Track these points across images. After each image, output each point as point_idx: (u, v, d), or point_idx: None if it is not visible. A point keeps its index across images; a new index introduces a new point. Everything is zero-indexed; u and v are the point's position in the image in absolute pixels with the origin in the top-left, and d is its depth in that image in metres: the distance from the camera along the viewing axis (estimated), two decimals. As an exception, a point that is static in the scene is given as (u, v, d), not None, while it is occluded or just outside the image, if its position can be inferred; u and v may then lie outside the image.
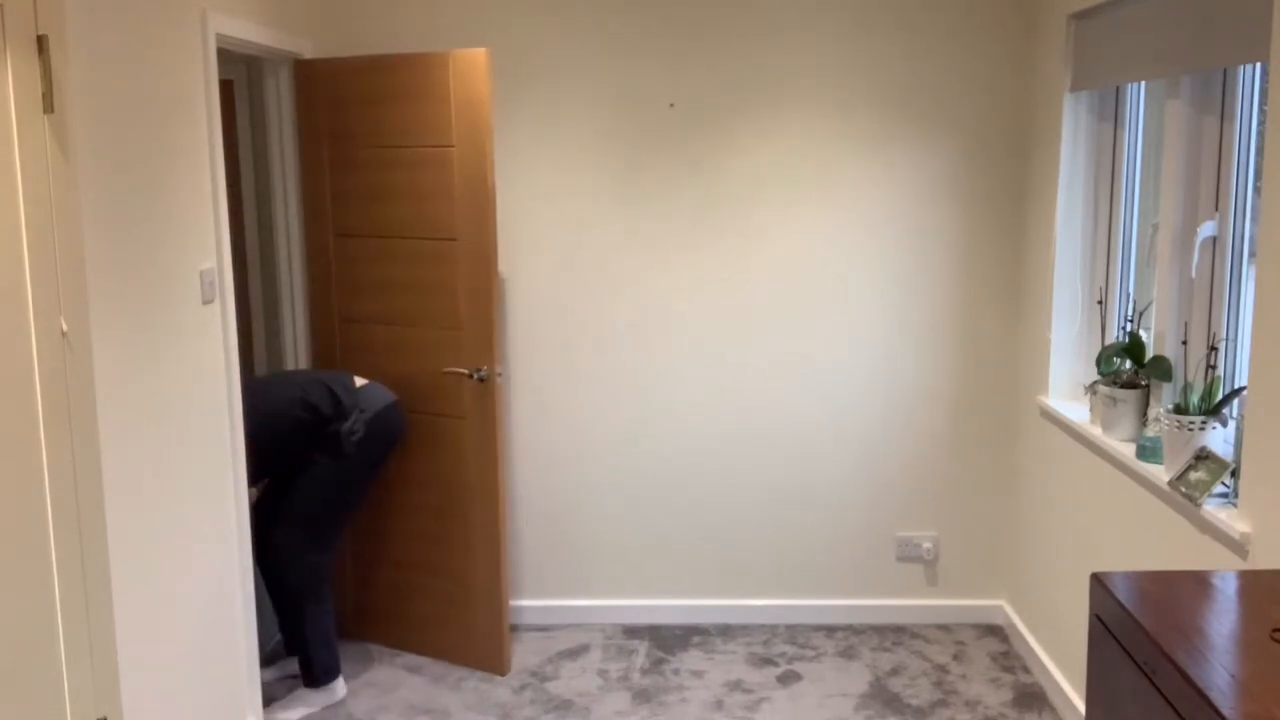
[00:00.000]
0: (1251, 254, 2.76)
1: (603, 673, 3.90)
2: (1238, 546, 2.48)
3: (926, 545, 4.25)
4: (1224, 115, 2.83)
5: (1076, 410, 3.59)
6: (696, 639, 4.17)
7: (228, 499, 3.20)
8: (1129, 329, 3.41)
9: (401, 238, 3.81)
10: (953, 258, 4.09)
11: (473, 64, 3.57)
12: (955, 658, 4.00)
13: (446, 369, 3.78)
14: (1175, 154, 2.98)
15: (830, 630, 4.23)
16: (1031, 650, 3.89)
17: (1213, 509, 2.58)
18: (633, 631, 4.24)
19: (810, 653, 4.05)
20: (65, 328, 2.32)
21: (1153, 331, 3.20)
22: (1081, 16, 3.51)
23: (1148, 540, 2.97)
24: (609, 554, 4.29)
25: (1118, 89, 3.49)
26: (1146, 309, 3.29)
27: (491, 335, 3.68)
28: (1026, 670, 3.90)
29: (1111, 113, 3.53)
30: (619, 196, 4.08)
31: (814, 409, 4.18)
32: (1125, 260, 3.51)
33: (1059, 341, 3.73)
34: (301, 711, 3.59)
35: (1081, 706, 3.44)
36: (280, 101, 3.92)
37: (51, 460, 2.29)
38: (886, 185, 4.05)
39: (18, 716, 2.19)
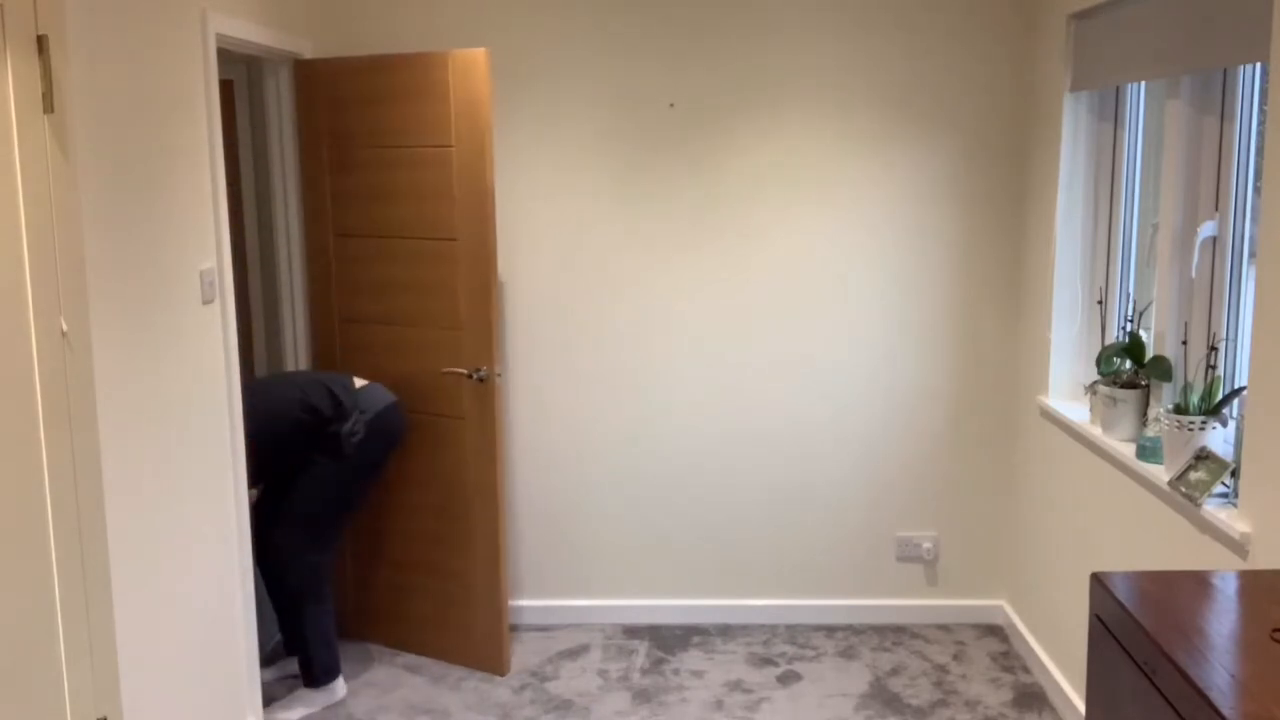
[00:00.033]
0: (1251, 254, 2.76)
1: (603, 673, 3.90)
2: (1238, 546, 2.48)
3: (926, 545, 4.25)
4: (1224, 115, 2.83)
5: (1076, 410, 3.59)
6: (696, 639, 4.17)
7: (228, 499, 3.20)
8: (1129, 329, 3.41)
9: (401, 238, 3.81)
10: (953, 258, 4.09)
11: (472, 64, 3.57)
12: (955, 658, 4.00)
13: (446, 369, 3.78)
14: (1175, 154, 2.98)
15: (830, 630, 4.23)
16: (1031, 650, 3.89)
17: (1213, 509, 2.58)
18: (633, 631, 4.24)
19: (810, 653, 4.05)
20: (65, 328, 2.32)
21: (1153, 331, 3.20)
22: (1081, 16, 3.51)
23: (1148, 540, 2.97)
24: (609, 554, 4.29)
25: (1118, 89, 3.49)
26: (1146, 309, 3.29)
27: (491, 335, 3.68)
28: (1026, 670, 3.90)
29: (1111, 113, 3.53)
30: (619, 196, 4.08)
31: (814, 409, 4.18)
32: (1125, 260, 3.51)
33: (1059, 341, 3.73)
34: (301, 711, 3.59)
35: (1081, 706, 3.44)
36: (280, 101, 3.92)
37: (51, 460, 2.29)
38: (886, 185, 4.05)
39: (18, 716, 2.19)
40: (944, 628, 4.25)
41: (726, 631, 4.23)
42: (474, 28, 3.99)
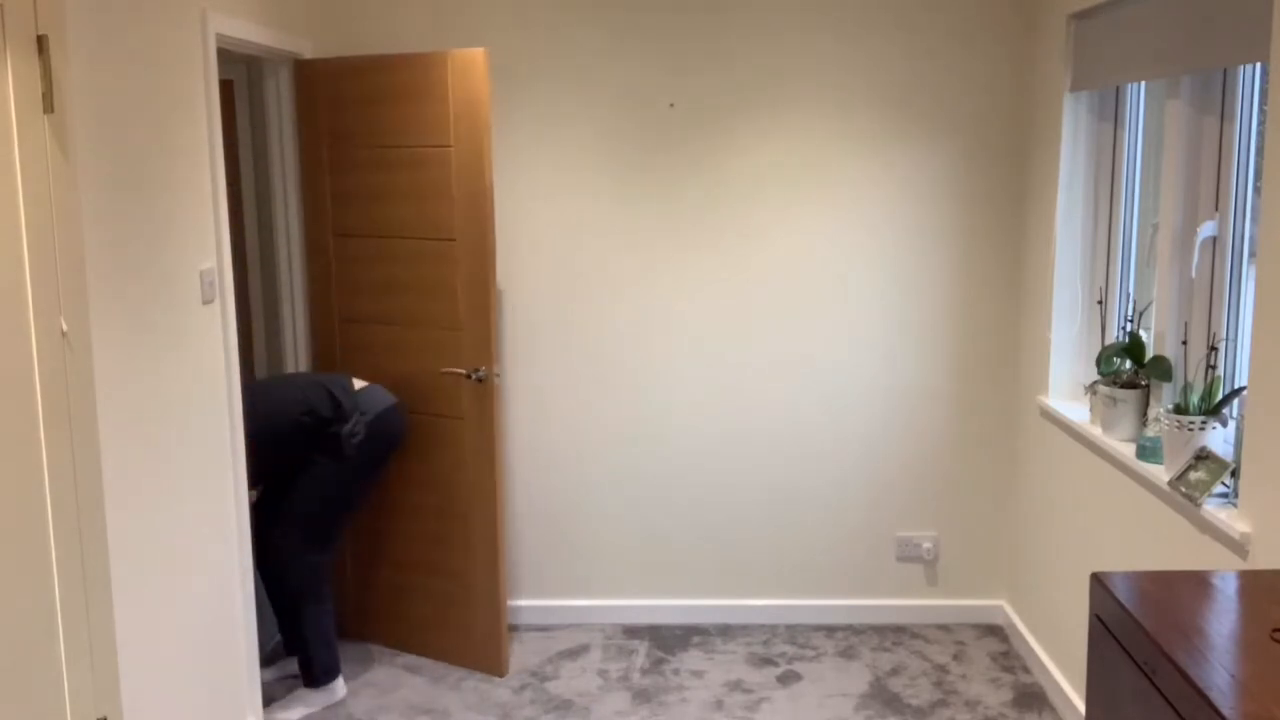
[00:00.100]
0: (1251, 254, 2.76)
1: (603, 673, 3.90)
2: (1238, 546, 2.48)
3: (926, 545, 4.25)
4: (1224, 115, 2.83)
5: (1076, 410, 3.59)
6: (696, 639, 4.17)
7: (228, 499, 3.20)
8: (1129, 329, 3.41)
9: (401, 238, 3.81)
10: (953, 258, 4.09)
11: (471, 64, 3.57)
12: (955, 658, 4.00)
13: (445, 369, 3.78)
14: (1175, 154, 2.98)
15: (830, 630, 4.23)
16: (1031, 650, 3.89)
17: (1213, 509, 2.58)
18: (633, 631, 4.24)
19: (810, 653, 4.05)
20: (65, 328, 2.32)
21: (1153, 331, 3.20)
22: (1081, 16, 3.51)
23: (1148, 540, 2.97)
24: (609, 554, 4.29)
25: (1118, 89, 3.49)
26: (1146, 309, 3.29)
27: (490, 336, 3.68)
28: (1026, 670, 3.90)
29: (1111, 113, 3.53)
30: (619, 196, 4.08)
31: (814, 409, 4.18)
32: (1125, 260, 3.51)
33: (1059, 341, 3.73)
34: (301, 711, 3.59)
35: (1081, 706, 3.44)
36: (280, 101, 3.92)
37: (51, 460, 2.29)
38: (886, 185, 4.05)
39: (18, 716, 2.19)
40: (944, 628, 4.25)
41: (726, 631, 4.23)
42: (474, 28, 3.99)
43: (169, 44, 2.86)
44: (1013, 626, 4.12)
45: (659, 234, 4.10)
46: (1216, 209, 2.86)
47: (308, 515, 3.57)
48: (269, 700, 3.62)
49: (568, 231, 4.10)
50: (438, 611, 3.95)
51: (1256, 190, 2.72)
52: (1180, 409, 2.80)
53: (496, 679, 3.84)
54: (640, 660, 4.00)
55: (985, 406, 4.17)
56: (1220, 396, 2.78)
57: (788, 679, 3.85)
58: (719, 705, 3.67)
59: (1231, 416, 2.77)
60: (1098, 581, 1.94)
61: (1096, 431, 3.31)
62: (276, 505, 3.59)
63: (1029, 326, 3.99)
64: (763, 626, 4.27)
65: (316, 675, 3.63)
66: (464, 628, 3.90)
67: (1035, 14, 3.91)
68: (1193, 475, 2.69)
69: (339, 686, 3.68)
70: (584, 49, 4.00)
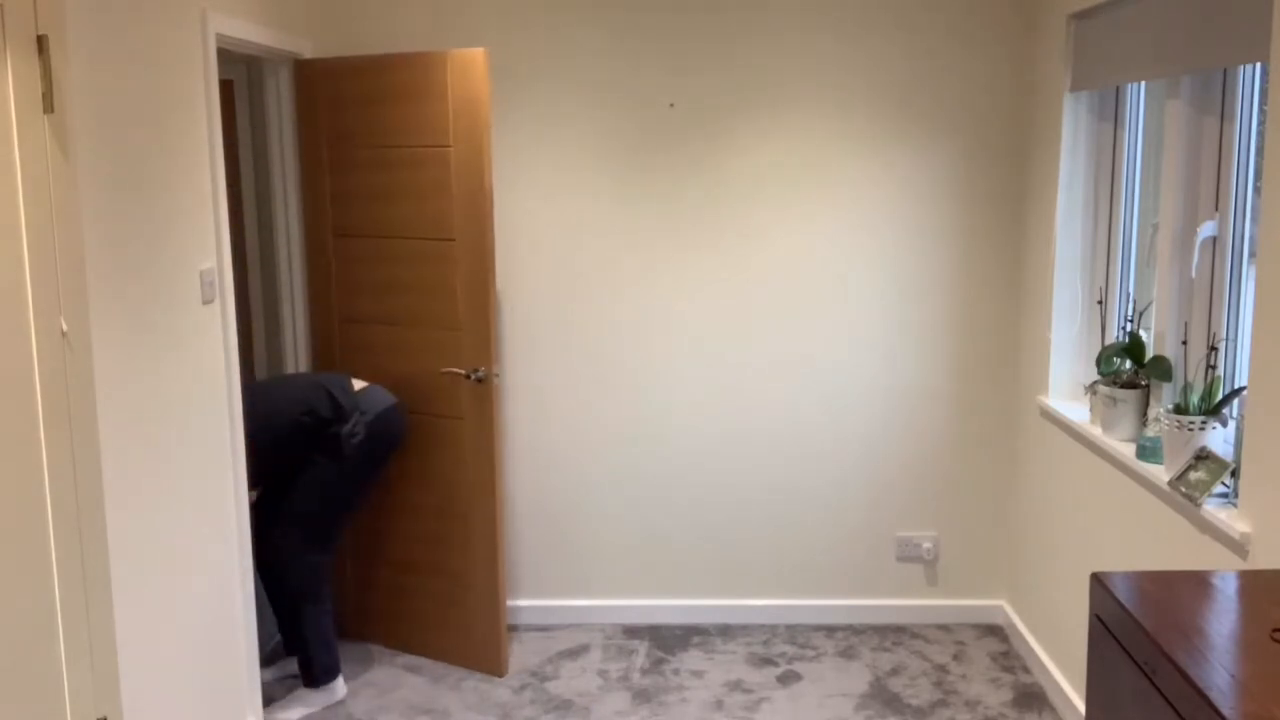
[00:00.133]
0: (1251, 254, 2.76)
1: (603, 673, 3.90)
2: (1238, 546, 2.48)
3: (926, 545, 4.25)
4: (1224, 115, 2.83)
5: (1076, 410, 3.59)
6: (696, 639, 4.17)
7: (227, 499, 3.20)
8: (1129, 329, 3.41)
9: (401, 238, 3.81)
10: (953, 258, 4.09)
11: (471, 64, 3.57)
12: (955, 658, 4.01)
13: (445, 369, 3.78)
14: (1175, 154, 2.98)
15: (830, 630, 4.23)
16: (1031, 650, 3.89)
17: (1213, 509, 2.58)
18: (633, 631, 4.24)
19: (810, 653, 4.05)
20: (65, 328, 2.32)
21: (1153, 331, 3.20)
22: (1081, 16, 3.51)
23: (1148, 540, 2.97)
24: (609, 554, 4.29)
25: (1118, 89, 3.49)
26: (1146, 309, 3.29)
27: (489, 336, 3.68)
28: (1026, 670, 3.90)
29: (1111, 113, 3.53)
30: (619, 196, 4.08)
31: (814, 409, 4.18)
32: (1125, 260, 3.51)
33: (1059, 341, 3.73)
34: (301, 711, 3.59)
35: (1081, 706, 3.44)
36: (280, 101, 3.92)
37: (51, 460, 2.29)
38: (886, 185, 4.05)
39: (18, 716, 2.19)
40: (944, 628, 4.25)
41: (726, 631, 4.23)
42: (474, 28, 3.99)
43: (169, 44, 2.86)
44: (1013, 626, 4.12)
45: (659, 234, 4.10)
46: (1216, 209, 2.86)
47: (308, 515, 3.57)
48: (269, 700, 3.62)
49: (568, 231, 4.10)
50: (438, 611, 3.95)
51: (1256, 190, 2.72)
52: (1180, 409, 2.80)
53: (496, 679, 3.84)
54: (640, 660, 4.00)
55: (985, 406, 4.17)
56: (1220, 396, 2.78)
57: (788, 679, 3.85)
58: (719, 705, 3.67)
59: (1231, 416, 2.77)
60: (1098, 581, 1.94)
61: (1096, 431, 3.31)
62: (276, 505, 3.59)
63: (1029, 326, 3.99)
64: (763, 626, 4.27)
65: (316, 675, 3.63)
66: (464, 628, 3.90)
67: (1035, 14, 3.91)
68: (1193, 475, 2.70)
69: (339, 686, 3.69)
70: (584, 49, 4.00)
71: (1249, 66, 2.73)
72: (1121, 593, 1.88)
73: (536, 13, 3.98)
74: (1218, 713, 1.49)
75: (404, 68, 3.70)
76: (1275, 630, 1.73)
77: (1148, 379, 3.19)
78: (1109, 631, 1.89)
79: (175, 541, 2.86)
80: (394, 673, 3.90)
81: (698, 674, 3.89)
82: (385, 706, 3.66)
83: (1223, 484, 2.64)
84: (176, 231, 2.88)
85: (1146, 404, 3.17)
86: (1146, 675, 1.72)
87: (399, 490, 3.96)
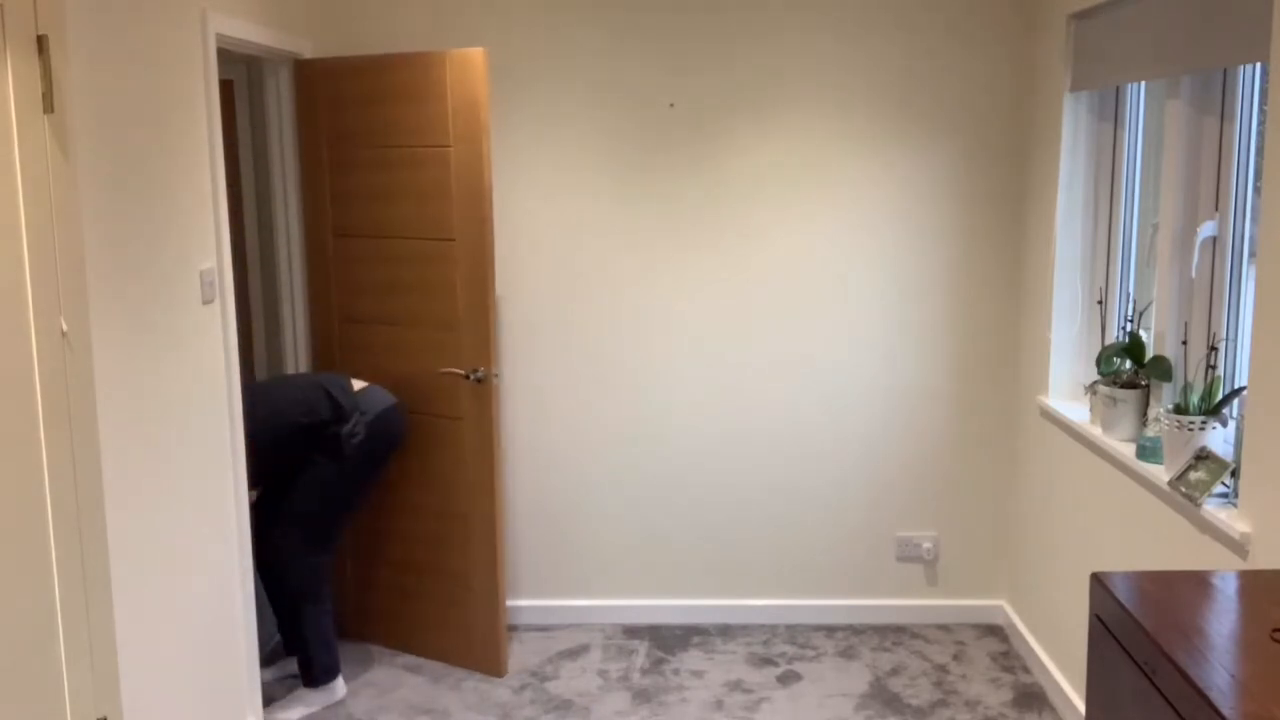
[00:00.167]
0: (1251, 254, 2.76)
1: (603, 673, 3.90)
2: (1238, 546, 2.48)
3: (926, 545, 4.25)
4: (1224, 115, 2.83)
5: (1076, 410, 3.59)
6: (696, 639, 4.17)
7: (228, 499, 3.20)
8: (1129, 329, 3.41)
9: (400, 238, 3.81)
10: (953, 258, 4.09)
11: (470, 64, 3.57)
12: (955, 658, 4.00)
13: (444, 369, 3.78)
14: (1175, 154, 2.98)
15: (830, 630, 4.23)
16: (1031, 650, 3.89)
17: (1213, 509, 2.58)
18: (633, 631, 4.24)
19: (810, 653, 4.05)
20: (65, 328, 2.32)
21: (1153, 331, 3.20)
22: (1081, 16, 3.51)
23: (1148, 540, 2.97)
24: (609, 554, 4.29)
25: (1118, 89, 3.49)
26: (1146, 309, 3.29)
27: (489, 336, 3.68)
28: (1026, 670, 3.90)
29: (1111, 113, 3.53)
30: (619, 196, 4.08)
31: (814, 409, 4.18)
32: (1125, 260, 3.51)
33: (1059, 341, 3.73)
34: (301, 711, 3.59)
35: (1081, 706, 3.44)
36: (280, 101, 3.92)
37: (51, 460, 2.29)
38: (886, 185, 4.05)
39: (18, 716, 2.19)
40: (944, 628, 4.25)
41: (726, 631, 4.23)
42: (474, 28, 3.99)
43: (169, 44, 2.86)
44: (1013, 626, 4.12)
45: (659, 234, 4.10)
46: (1216, 209, 2.86)
47: (308, 515, 3.57)
48: (269, 700, 3.62)
49: (568, 231, 4.10)
50: (438, 611, 3.95)
51: (1256, 190, 2.72)
52: (1180, 409, 2.80)
53: (496, 679, 3.84)
54: (640, 660, 4.00)
55: (985, 406, 4.17)
56: (1220, 396, 2.78)
57: (788, 679, 3.85)
58: (719, 705, 3.67)
59: (1231, 416, 2.77)
60: (1098, 581, 1.94)
61: (1096, 431, 3.31)
62: (276, 505, 3.59)
63: (1029, 326, 3.99)
64: (763, 626, 4.27)
65: (316, 675, 3.63)
66: (464, 628, 3.90)
67: (1035, 14, 3.91)
68: (1193, 475, 2.70)
69: (339, 686, 3.69)
70: (584, 49, 4.00)
71: (1249, 66, 2.73)
72: (1121, 593, 1.88)
73: (536, 13, 3.98)
74: (1218, 713, 1.49)
75: (404, 68, 3.70)
76: (1275, 630, 1.73)
77: (1148, 379, 3.19)
78: (1109, 631, 1.89)
79: (175, 541, 2.86)
80: (394, 673, 3.90)
81: (698, 674, 3.89)
82: (385, 706, 3.66)
83: (1223, 484, 2.64)
84: (176, 231, 2.88)
85: (1146, 404, 3.17)
86: (1146, 675, 1.72)
87: (399, 490, 3.96)
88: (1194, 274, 2.95)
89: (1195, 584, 1.91)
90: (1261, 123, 2.69)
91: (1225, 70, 2.81)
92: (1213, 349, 2.85)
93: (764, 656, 4.02)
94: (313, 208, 3.97)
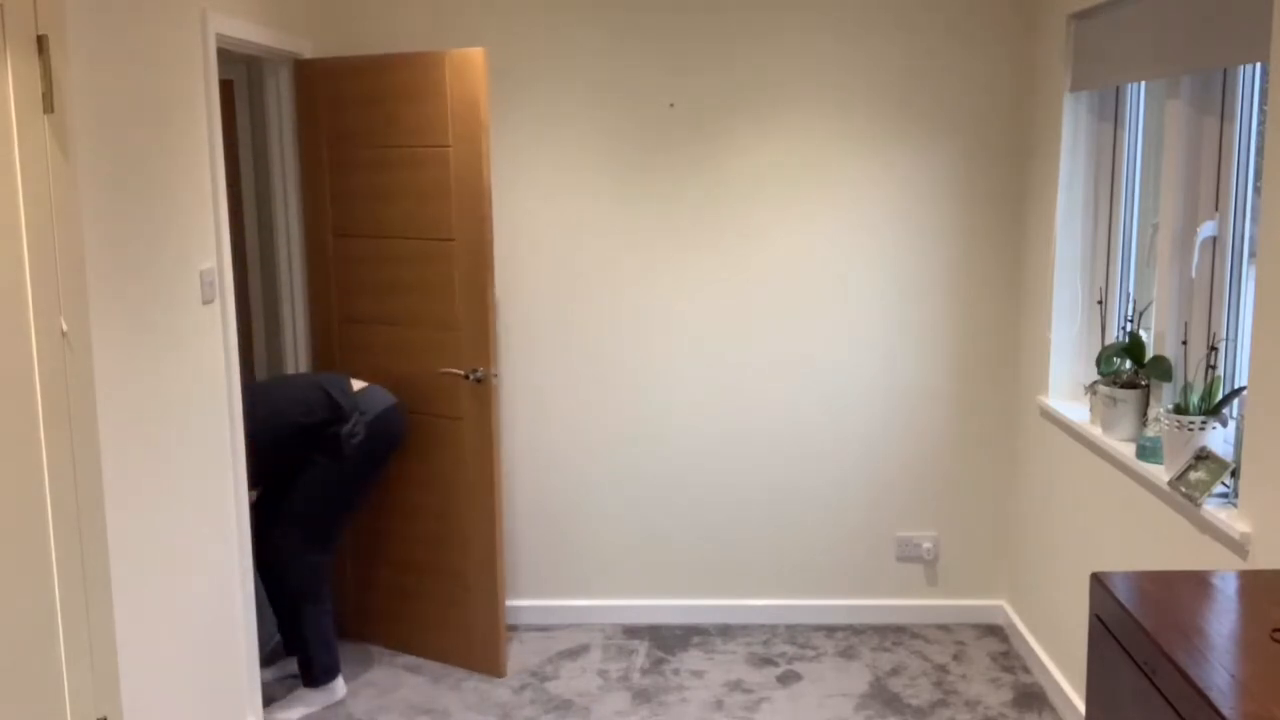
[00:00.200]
0: (1251, 254, 2.76)
1: (603, 673, 3.90)
2: (1238, 546, 2.48)
3: (926, 545, 4.25)
4: (1224, 115, 2.83)
5: (1076, 410, 3.59)
6: (696, 639, 4.17)
7: (228, 499, 3.20)
8: (1129, 329, 3.41)
9: (400, 238, 3.81)
10: (953, 258, 4.09)
11: (469, 64, 3.57)
12: (955, 658, 4.00)
13: (443, 370, 3.78)
14: (1175, 154, 2.98)
15: (830, 630, 4.23)
16: (1031, 650, 3.89)
17: (1213, 509, 2.58)
18: (633, 631, 4.24)
19: (810, 653, 4.05)
20: (65, 328, 2.32)
21: (1153, 331, 3.20)
22: (1081, 16, 3.51)
23: (1148, 540, 2.97)
24: (609, 554, 4.29)
25: (1118, 89, 3.49)
26: (1146, 309, 3.29)
27: (488, 336, 3.68)
28: (1026, 670, 3.90)
29: (1111, 113, 3.53)
30: (619, 196, 4.08)
31: (814, 409, 4.18)
32: (1125, 260, 3.51)
33: (1059, 341, 3.73)
34: (301, 711, 3.59)
35: (1081, 706, 3.44)
36: (280, 101, 3.92)
37: (51, 460, 2.29)
38: (886, 185, 4.05)
39: (18, 716, 2.19)
40: (944, 628, 4.25)
41: (726, 631, 4.23)
42: (474, 28, 3.99)
43: (169, 44, 2.86)
44: (1013, 626, 4.12)
45: (659, 234, 4.10)
46: (1216, 209, 2.86)
47: (308, 515, 3.57)
48: (269, 700, 3.62)
49: (568, 231, 4.10)
50: (438, 612, 3.95)
51: (1256, 190, 2.72)
52: (1180, 409, 2.80)
53: (496, 679, 3.84)
54: (640, 660, 4.00)
55: (985, 406, 4.17)
56: (1220, 396, 2.78)
57: (788, 679, 3.85)
58: (719, 705, 3.67)
59: (1231, 416, 2.77)
60: (1098, 581, 1.94)
61: (1096, 431, 3.31)
62: (276, 505, 3.59)
63: (1029, 326, 3.99)
64: (763, 626, 4.27)
65: (316, 675, 3.63)
66: (463, 628, 3.90)
67: (1035, 14, 3.91)
68: (1193, 475, 2.70)
69: (339, 686, 3.69)
70: (584, 49, 4.00)
71: (1249, 66, 2.73)
72: (1121, 593, 1.88)
73: (536, 13, 3.98)
74: (1218, 713, 1.49)
75: (403, 68, 3.70)
76: (1275, 630, 1.73)
77: (1148, 379, 3.19)
78: (1109, 631, 1.89)
79: (175, 541, 2.86)
80: (394, 673, 3.90)
81: (698, 674, 3.89)
82: (385, 706, 3.66)
83: (1223, 484, 2.64)
84: (176, 231, 2.88)
85: (1146, 404, 3.17)
86: (1146, 675, 1.72)
87: (399, 490, 3.96)
88: (1194, 274, 2.95)
89: (1195, 584, 1.91)
90: (1261, 123, 2.69)
91: (1225, 70, 2.81)
92: (1213, 349, 2.85)
93: (764, 656, 4.02)
94: (313, 208, 3.97)
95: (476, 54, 3.56)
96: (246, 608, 3.30)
